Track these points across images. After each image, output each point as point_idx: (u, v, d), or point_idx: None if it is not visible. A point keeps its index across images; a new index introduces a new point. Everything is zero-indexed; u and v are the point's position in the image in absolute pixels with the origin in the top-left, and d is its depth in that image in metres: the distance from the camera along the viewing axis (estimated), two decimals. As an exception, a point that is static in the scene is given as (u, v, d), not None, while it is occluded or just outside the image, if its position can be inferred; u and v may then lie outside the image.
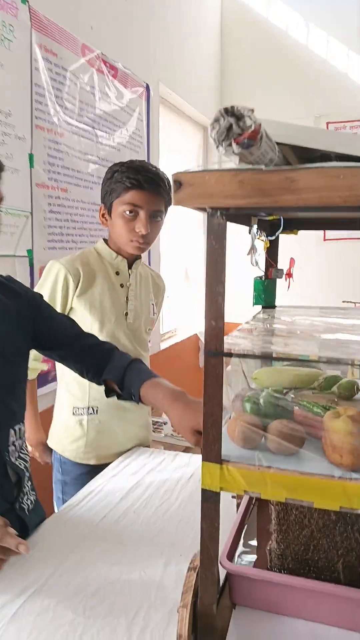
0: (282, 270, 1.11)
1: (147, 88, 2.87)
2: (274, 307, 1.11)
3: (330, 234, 3.73)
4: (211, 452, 0.67)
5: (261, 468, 0.66)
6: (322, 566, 0.77)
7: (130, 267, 1.54)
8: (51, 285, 1.42)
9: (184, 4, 3.40)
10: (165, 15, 3.11)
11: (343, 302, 2.77)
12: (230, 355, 0.65)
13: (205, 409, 0.67)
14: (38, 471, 1.48)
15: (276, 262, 1.12)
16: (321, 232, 3.78)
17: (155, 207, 1.42)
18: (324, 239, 3.76)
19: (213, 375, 0.66)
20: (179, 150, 3.65)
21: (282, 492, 0.65)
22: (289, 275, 1.11)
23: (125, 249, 1.48)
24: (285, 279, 1.12)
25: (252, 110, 0.52)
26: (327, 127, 3.67)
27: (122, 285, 1.52)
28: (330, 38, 3.67)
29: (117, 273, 1.52)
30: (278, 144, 0.69)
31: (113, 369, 1.15)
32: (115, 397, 1.19)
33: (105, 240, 1.54)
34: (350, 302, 2.62)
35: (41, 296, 1.21)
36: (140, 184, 1.38)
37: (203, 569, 0.70)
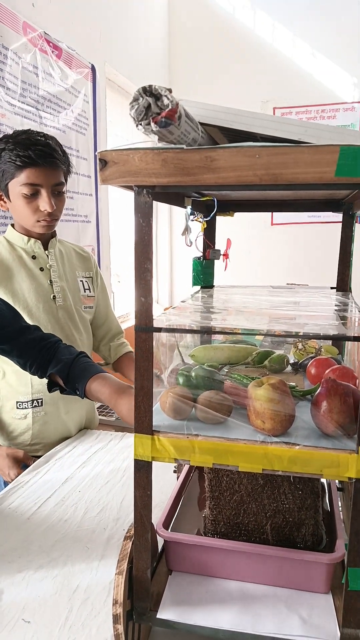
0: (219, 250, 1.14)
1: (93, 69, 2.83)
2: (212, 286, 1.15)
3: (278, 218, 3.81)
4: (142, 424, 0.70)
5: (190, 437, 0.69)
6: (251, 529, 0.81)
7: (46, 247, 1.47)
8: None
9: (130, -16, 3.35)
10: (111, -5, 3.06)
11: (287, 284, 2.86)
12: (159, 330, 0.67)
13: (136, 383, 0.69)
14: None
15: (214, 243, 1.15)
16: (269, 216, 3.85)
17: (56, 181, 1.34)
18: (272, 224, 3.83)
19: (143, 349, 0.68)
20: (127, 132, 3.62)
21: (209, 458, 0.69)
22: (226, 255, 1.14)
23: (34, 230, 1.41)
24: (223, 260, 1.16)
25: (170, 90, 0.54)
26: (274, 112, 3.73)
27: (42, 269, 1.45)
28: (276, 23, 3.71)
29: (34, 257, 1.45)
30: (204, 125, 0.71)
31: (58, 363, 1.13)
32: (60, 390, 1.17)
33: (13, 226, 1.46)
34: (294, 284, 2.70)
35: None
36: (33, 160, 1.28)
37: (137, 536, 0.73)
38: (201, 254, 1.13)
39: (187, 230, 0.90)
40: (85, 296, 1.58)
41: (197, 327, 0.73)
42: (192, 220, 1.12)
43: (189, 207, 0.91)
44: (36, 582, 0.94)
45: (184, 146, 0.60)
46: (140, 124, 0.54)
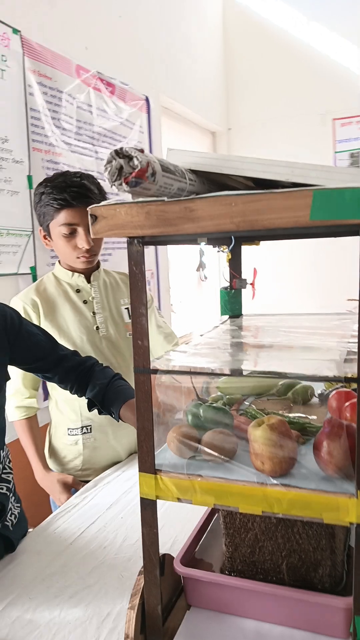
0: (245, 280, 1.14)
1: (147, 100, 2.93)
2: (239, 316, 1.15)
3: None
4: (146, 463, 0.72)
5: (191, 477, 0.70)
6: (268, 568, 0.80)
7: (89, 280, 1.55)
8: None
9: (182, 12, 3.45)
10: (163, 27, 3.17)
11: (348, 300, 2.75)
12: (155, 372, 0.70)
13: (138, 423, 0.72)
14: (21, 472, 1.55)
15: (240, 272, 1.15)
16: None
17: None
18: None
19: (142, 391, 0.71)
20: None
21: (211, 499, 0.69)
22: (253, 285, 1.14)
23: (75, 266, 1.50)
24: (252, 289, 1.16)
25: (142, 151, 0.57)
26: (333, 124, 3.64)
27: (85, 302, 1.53)
28: (332, 33, 3.64)
29: (78, 290, 1.53)
30: (199, 172, 0.73)
31: (94, 388, 1.21)
32: (97, 411, 1.25)
33: (60, 262, 1.56)
34: (355, 299, 2.58)
35: (19, 319, 1.19)
36: (69, 202, 1.37)
37: (146, 573, 0.75)
38: (228, 284, 1.14)
39: (201, 266, 0.91)
40: (130, 323, 1.63)
41: (191, 370, 0.74)
42: (218, 252, 1.13)
43: (202, 243, 0.93)
44: (70, 608, 0.98)
45: (165, 198, 0.62)
46: (114, 185, 0.57)
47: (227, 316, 1.15)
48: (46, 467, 1.51)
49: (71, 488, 1.48)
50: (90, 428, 1.53)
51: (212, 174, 0.75)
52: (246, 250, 1.18)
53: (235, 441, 0.74)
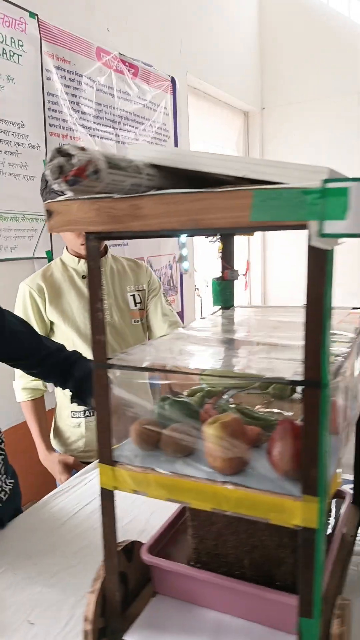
0: (237, 271, 1.13)
1: (173, 81, 2.89)
2: (230, 307, 1.14)
3: None
4: (104, 454, 0.73)
5: (146, 470, 0.71)
6: (231, 561, 0.81)
7: None
8: (22, 305, 1.51)
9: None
10: (189, 2, 3.09)
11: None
12: (111, 367, 0.70)
13: (97, 415, 0.73)
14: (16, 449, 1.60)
15: (232, 263, 1.14)
16: None
17: None
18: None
19: (100, 385, 0.72)
20: (218, 138, 3.65)
21: (164, 493, 0.70)
22: (245, 276, 1.13)
23: (81, 252, 1.53)
24: (245, 280, 1.14)
25: (83, 149, 0.57)
26: (369, 103, 3.51)
27: None
28: (371, 7, 3.48)
29: (84, 277, 1.56)
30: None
31: (72, 381, 1.24)
32: (77, 404, 1.27)
33: (67, 248, 1.59)
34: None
35: (2, 316, 1.17)
36: None
37: (105, 560, 0.77)
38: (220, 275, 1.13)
39: (181, 258, 0.91)
40: (136, 310, 1.65)
41: (147, 367, 0.74)
42: (212, 242, 1.12)
43: (183, 236, 0.92)
44: (49, 587, 1.02)
45: (114, 195, 0.62)
46: (56, 183, 0.57)
47: (219, 307, 1.14)
48: (49, 447, 1.56)
49: (72, 469, 1.52)
50: (93, 412, 1.56)
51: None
52: (261, 235, 1.16)
53: (191, 438, 0.74)
